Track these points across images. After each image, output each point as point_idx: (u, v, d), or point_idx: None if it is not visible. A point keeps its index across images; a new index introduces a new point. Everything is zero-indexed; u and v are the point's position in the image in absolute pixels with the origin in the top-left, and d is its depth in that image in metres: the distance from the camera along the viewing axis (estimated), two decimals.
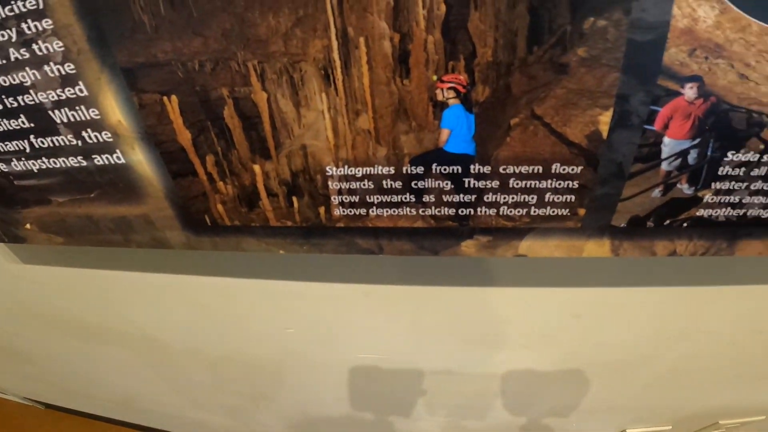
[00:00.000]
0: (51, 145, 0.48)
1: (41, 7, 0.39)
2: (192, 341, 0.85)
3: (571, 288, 0.62)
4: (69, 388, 1.18)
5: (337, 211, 0.48)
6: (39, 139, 0.48)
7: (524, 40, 0.35)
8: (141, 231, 0.55)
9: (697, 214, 0.43)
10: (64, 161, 0.49)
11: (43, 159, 0.50)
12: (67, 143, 0.47)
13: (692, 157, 0.39)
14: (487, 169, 0.42)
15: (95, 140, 0.46)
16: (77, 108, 0.44)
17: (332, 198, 0.47)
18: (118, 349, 0.93)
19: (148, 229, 0.54)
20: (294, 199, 0.48)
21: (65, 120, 0.46)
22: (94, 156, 0.48)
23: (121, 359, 0.96)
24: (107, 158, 0.48)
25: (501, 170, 0.42)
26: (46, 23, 0.40)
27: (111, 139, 0.46)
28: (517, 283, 0.62)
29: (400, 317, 0.70)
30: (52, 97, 0.44)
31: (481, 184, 0.43)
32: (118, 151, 0.47)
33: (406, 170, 0.43)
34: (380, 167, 0.44)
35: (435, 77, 0.38)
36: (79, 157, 0.48)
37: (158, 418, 1.21)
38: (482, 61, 0.37)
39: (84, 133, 0.46)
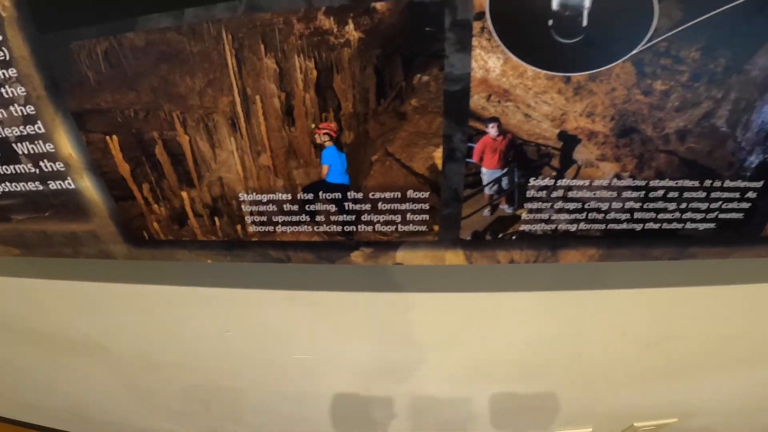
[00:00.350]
0: (13, 171, 0.59)
1: (8, 58, 0.50)
2: (139, 348, 0.94)
3: (474, 293, 0.75)
4: (19, 400, 1.23)
5: (251, 228, 0.60)
6: (3, 167, 0.58)
7: (374, 95, 0.49)
8: (89, 245, 0.65)
9: (520, 228, 0.57)
10: (24, 185, 0.60)
11: (6, 183, 0.60)
12: (27, 171, 0.58)
13: (505, 183, 0.53)
14: (360, 196, 0.55)
15: (50, 169, 0.58)
16: (36, 142, 0.56)
17: (246, 218, 0.59)
18: (70, 359, 1.00)
19: (95, 243, 0.65)
20: (216, 218, 0.60)
21: (26, 152, 0.57)
22: (49, 182, 0.59)
23: (73, 368, 1.03)
24: (60, 184, 0.59)
25: (370, 196, 0.55)
26: (12, 72, 0.51)
27: (63, 169, 0.57)
28: (427, 289, 0.75)
29: (323, 320, 0.82)
30: (16, 132, 0.55)
31: (357, 207, 0.56)
32: (69, 178, 0.58)
33: (300, 197, 0.56)
34: (280, 194, 0.56)
35: (313, 125, 0.51)
36: (36, 182, 0.59)
37: (112, 428, 1.27)
38: (346, 112, 0.50)
39: (41, 163, 0.57)
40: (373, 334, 0.84)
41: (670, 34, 0.43)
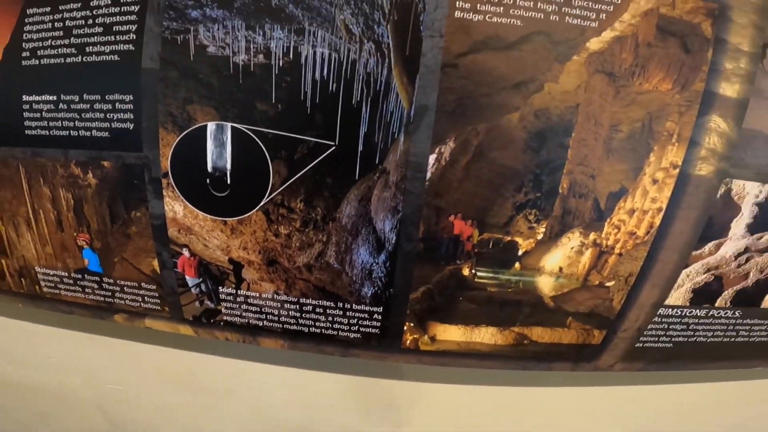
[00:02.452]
0: None
1: None
2: None
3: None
4: None
5: (45, 289, 0.84)
6: None
7: (109, 221, 0.74)
8: None
9: (224, 318, 0.79)
10: None
11: None
12: None
13: (203, 287, 0.76)
14: (111, 281, 0.79)
15: None
16: None
17: (41, 282, 0.83)
18: None
19: None
20: (22, 279, 0.85)
21: None
22: None
23: None
24: None
25: (119, 282, 0.79)
26: None
27: None
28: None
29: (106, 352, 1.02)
30: None
31: (111, 287, 0.80)
32: None
33: (73, 275, 0.81)
34: (60, 272, 0.81)
35: (75, 234, 0.76)
36: None
37: None
38: (93, 229, 0.75)
39: None
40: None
41: (281, 188, 0.67)
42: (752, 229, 0.66)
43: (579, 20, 0.59)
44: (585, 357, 0.76)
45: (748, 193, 0.64)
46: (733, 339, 0.75)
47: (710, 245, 0.66)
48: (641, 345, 0.75)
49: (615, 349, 0.75)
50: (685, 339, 0.75)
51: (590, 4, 0.59)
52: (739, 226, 0.65)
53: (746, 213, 0.65)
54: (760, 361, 0.80)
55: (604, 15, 0.59)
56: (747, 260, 0.68)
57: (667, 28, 0.59)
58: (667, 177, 0.62)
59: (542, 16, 0.58)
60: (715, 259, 0.67)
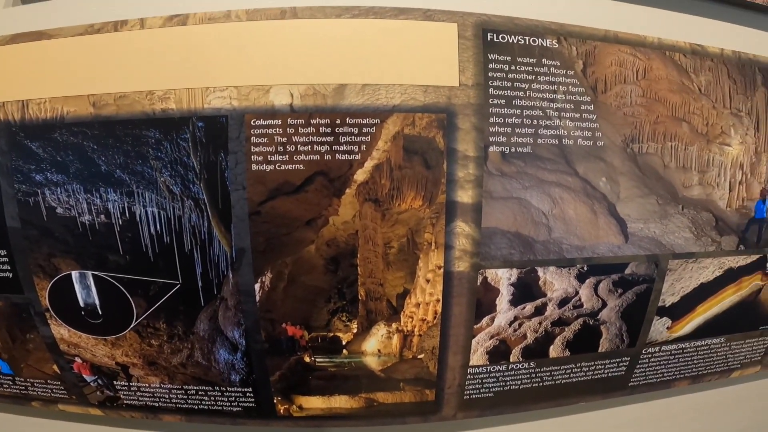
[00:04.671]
0: None
1: None
2: None
3: None
4: None
5: None
6: None
7: (9, 339, 0.88)
8: None
9: (125, 402, 0.95)
10: None
11: None
12: None
13: (101, 381, 0.92)
14: (22, 379, 0.94)
15: None
16: None
17: None
18: None
19: None
20: None
21: None
22: None
23: None
24: None
25: (28, 379, 0.94)
26: None
27: None
28: None
29: None
30: None
31: (21, 383, 0.95)
32: None
33: None
34: None
35: None
36: None
37: None
38: (0, 345, 0.89)
39: None
40: None
41: (144, 316, 0.81)
42: (514, 302, 0.83)
43: (346, 155, 0.73)
44: (429, 411, 0.93)
45: (501, 277, 0.81)
46: (540, 384, 0.94)
47: (486, 319, 0.84)
48: (468, 397, 0.93)
49: (450, 402, 0.93)
50: (501, 389, 0.93)
51: (353, 138, 0.72)
52: (502, 302, 0.83)
53: (505, 292, 0.82)
54: (579, 398, 0.99)
55: (364, 146, 0.73)
56: (520, 325, 0.86)
57: (411, 148, 0.74)
58: (436, 276, 0.78)
59: (318, 157, 0.72)
60: (494, 329, 0.85)
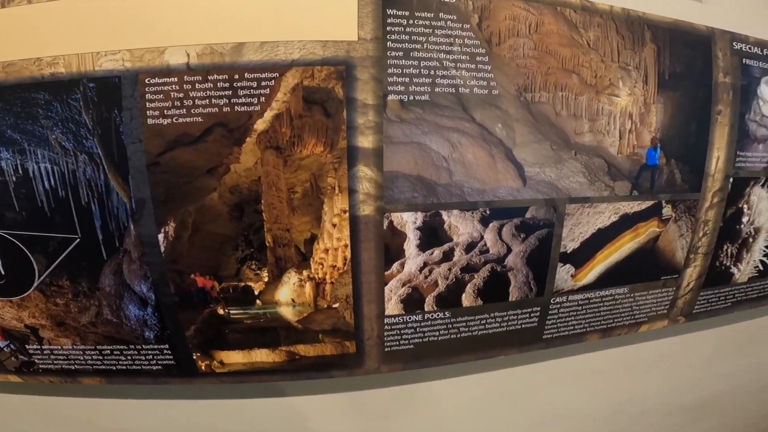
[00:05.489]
0: None
1: None
2: None
3: None
4: None
5: None
6: None
7: None
8: None
9: (41, 367, 0.93)
10: None
11: None
12: None
13: (13, 346, 0.90)
14: None
15: None
16: None
17: None
18: None
19: None
20: None
21: None
22: None
23: None
24: None
25: None
26: None
27: None
28: None
29: None
30: None
31: None
32: None
33: None
34: None
35: None
36: None
37: None
38: None
39: None
40: None
41: (46, 273, 0.80)
42: (422, 247, 0.87)
43: (245, 107, 0.74)
44: (353, 364, 0.96)
45: (406, 221, 0.85)
46: (457, 335, 0.98)
47: (396, 265, 0.87)
48: (389, 349, 0.96)
49: (371, 355, 0.95)
50: (420, 340, 0.96)
51: (252, 91, 0.74)
52: (410, 247, 0.86)
53: (412, 237, 0.86)
54: (497, 351, 1.03)
55: (263, 98, 0.74)
56: (430, 272, 0.89)
57: (311, 98, 0.76)
58: (342, 221, 0.81)
59: (217, 110, 0.73)
60: (405, 275, 0.88)
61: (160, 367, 0.91)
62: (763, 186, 1.10)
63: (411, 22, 0.79)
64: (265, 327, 0.89)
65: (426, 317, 0.93)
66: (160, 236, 0.77)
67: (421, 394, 1.09)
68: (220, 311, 0.85)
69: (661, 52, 0.94)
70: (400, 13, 0.78)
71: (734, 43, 1.01)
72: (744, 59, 1.03)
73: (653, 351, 1.22)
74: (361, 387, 1.04)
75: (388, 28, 0.78)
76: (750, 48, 1.05)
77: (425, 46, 0.80)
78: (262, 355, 0.91)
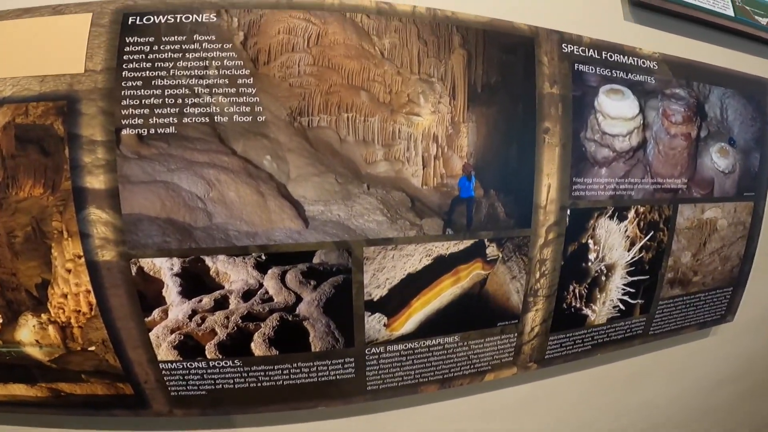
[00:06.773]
0: None
1: None
2: None
3: None
4: None
5: None
6: None
7: None
8: None
9: None
10: None
11: None
12: None
13: None
14: None
15: None
16: None
17: None
18: None
19: None
20: None
21: None
22: None
23: None
24: None
25: None
26: None
27: None
28: None
29: None
30: None
31: None
32: None
33: None
34: None
35: None
36: None
37: None
38: None
39: None
40: None
41: None
42: (185, 294, 0.77)
43: None
44: (135, 405, 0.83)
45: (161, 267, 0.75)
46: (257, 384, 0.86)
47: (158, 311, 0.77)
48: (177, 394, 0.85)
49: (156, 398, 0.82)
50: (212, 387, 0.85)
51: None
52: (171, 294, 0.76)
53: (170, 284, 0.76)
54: (314, 402, 0.89)
55: None
56: (203, 319, 0.79)
57: (25, 137, 0.69)
58: (77, 266, 0.73)
59: None
60: (172, 322, 0.78)
61: None
62: (611, 218, 0.94)
63: (156, 48, 0.73)
64: (13, 364, 0.79)
65: (212, 364, 0.82)
66: None
67: None
68: None
69: (473, 60, 0.82)
70: (142, 40, 0.72)
71: (564, 45, 0.88)
72: (576, 64, 0.89)
73: (510, 397, 1.06)
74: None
75: (125, 57, 0.71)
76: (584, 51, 0.91)
77: (172, 72, 0.73)
78: (20, 390, 0.81)
